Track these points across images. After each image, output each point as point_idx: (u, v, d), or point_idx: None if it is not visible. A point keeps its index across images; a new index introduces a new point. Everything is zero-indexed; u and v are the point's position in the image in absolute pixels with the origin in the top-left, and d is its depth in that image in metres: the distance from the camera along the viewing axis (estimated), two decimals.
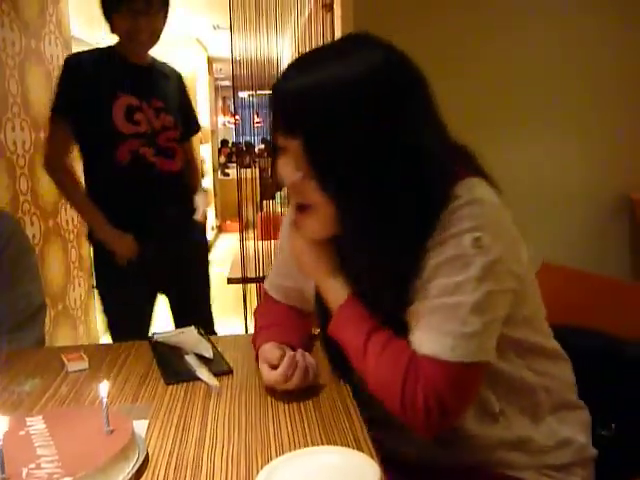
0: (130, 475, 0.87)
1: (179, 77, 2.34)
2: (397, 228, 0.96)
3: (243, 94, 6.73)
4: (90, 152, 2.13)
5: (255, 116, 10.51)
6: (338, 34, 3.50)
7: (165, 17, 2.10)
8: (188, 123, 2.36)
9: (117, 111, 2.04)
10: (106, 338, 4.05)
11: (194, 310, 2.27)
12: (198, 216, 2.33)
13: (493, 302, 0.95)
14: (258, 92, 5.06)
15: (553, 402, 1.11)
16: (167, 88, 2.22)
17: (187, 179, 2.33)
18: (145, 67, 2.17)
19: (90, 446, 0.89)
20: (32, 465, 0.85)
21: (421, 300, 0.96)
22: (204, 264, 2.39)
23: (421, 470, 1.12)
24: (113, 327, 2.18)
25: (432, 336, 0.94)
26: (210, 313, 2.37)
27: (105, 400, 0.91)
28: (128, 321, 2.09)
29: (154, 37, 2.09)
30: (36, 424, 0.97)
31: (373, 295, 1.04)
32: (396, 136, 0.94)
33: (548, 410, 1.11)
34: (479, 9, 2.70)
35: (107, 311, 2.18)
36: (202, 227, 2.42)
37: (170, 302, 2.31)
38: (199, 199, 2.38)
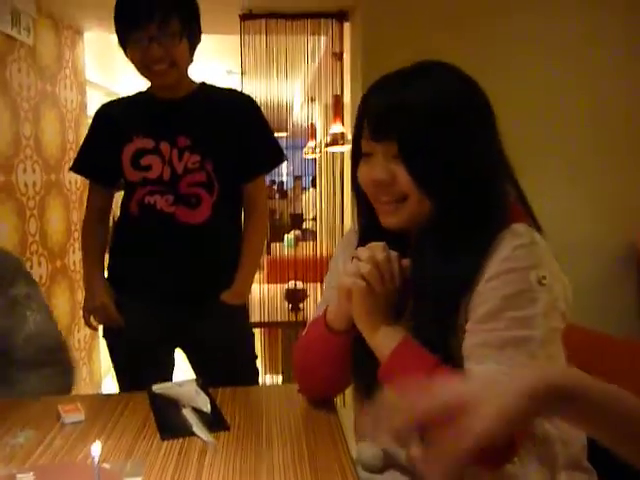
0: None
1: (242, 101, 1.97)
2: (467, 233, 1.05)
3: None
4: (120, 205, 1.98)
5: None
6: (347, 81, 3.56)
7: (190, 45, 1.83)
8: (254, 157, 1.94)
9: (126, 157, 1.87)
10: (109, 379, 4.03)
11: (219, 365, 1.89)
12: (230, 297, 1.91)
13: (555, 338, 1.03)
14: None
15: (568, 458, 1.11)
16: (207, 120, 1.88)
17: (233, 232, 1.99)
18: (176, 101, 1.89)
19: None
20: None
21: (487, 332, 1.01)
22: (232, 341, 1.97)
23: None
24: (118, 377, 2.02)
25: (504, 368, 0.97)
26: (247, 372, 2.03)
27: (97, 460, 0.90)
28: (133, 374, 1.90)
29: (174, 68, 1.81)
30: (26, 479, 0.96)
31: (429, 330, 1.06)
32: (475, 147, 1.05)
33: (563, 465, 1.10)
34: (480, 56, 2.74)
35: (113, 361, 2.01)
36: (231, 308, 1.93)
37: (189, 356, 2.04)
38: (242, 272, 1.93)
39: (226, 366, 1.87)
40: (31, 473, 0.98)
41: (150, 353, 1.92)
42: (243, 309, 2.02)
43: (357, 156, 1.13)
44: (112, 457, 1.11)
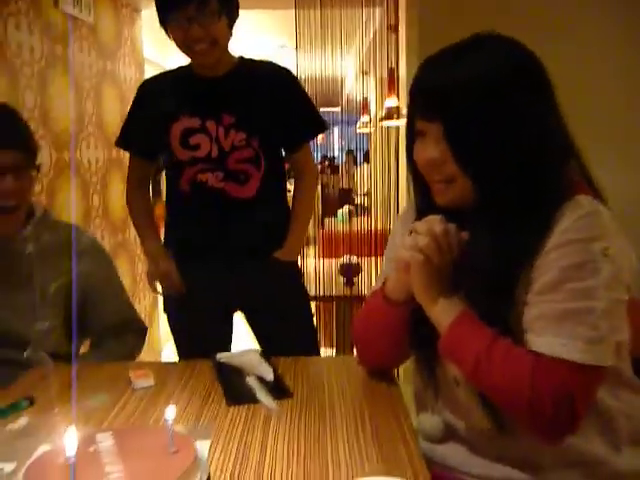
0: None
1: (281, 75, 1.98)
2: (522, 211, 1.04)
3: None
4: (166, 182, 2.07)
5: None
6: (403, 54, 3.52)
7: (229, 23, 1.85)
8: (296, 127, 1.99)
9: (173, 136, 1.89)
10: (168, 349, 4.16)
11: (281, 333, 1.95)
12: (281, 254, 1.98)
13: (617, 310, 1.01)
14: (322, 109, 5.11)
15: (632, 433, 1.11)
16: (250, 96, 1.91)
17: (280, 202, 2.07)
18: (218, 79, 1.92)
19: (155, 465, 0.93)
20: None
21: (547, 303, 1.01)
22: (286, 297, 2.03)
23: None
24: (180, 348, 2.09)
25: (563, 340, 0.98)
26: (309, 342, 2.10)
27: (171, 423, 0.94)
28: (195, 344, 1.93)
29: (215, 46, 1.82)
30: (105, 441, 1.01)
31: (486, 303, 1.07)
32: (526, 124, 1.03)
33: (627, 440, 1.11)
34: (546, 29, 2.67)
35: (175, 332, 2.10)
36: (288, 267, 2.02)
37: (250, 323, 2.12)
38: (293, 232, 2.01)
39: (283, 328, 1.93)
40: (109, 433, 1.03)
41: (210, 320, 1.99)
42: (294, 270, 2.08)
43: (412, 134, 1.14)
44: (182, 421, 1.16)
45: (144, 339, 1.83)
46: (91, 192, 3.06)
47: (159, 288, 2.02)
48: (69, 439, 0.86)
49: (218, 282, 1.95)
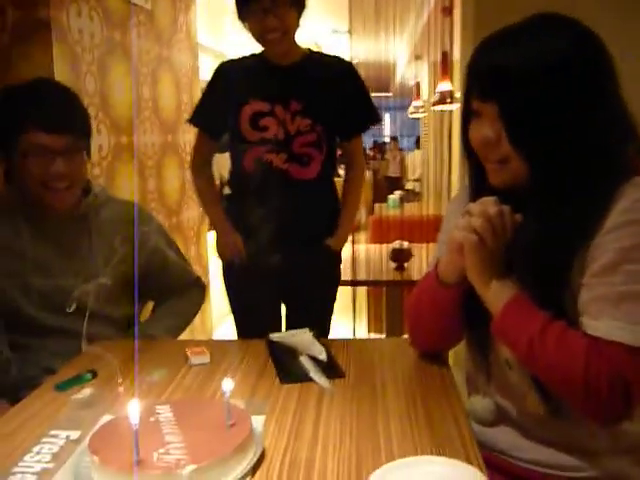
0: (247, 469, 0.93)
1: (344, 68, 2.16)
2: (578, 191, 1.03)
3: None
4: (230, 160, 2.20)
5: None
6: (457, 37, 3.47)
7: (298, 14, 2.01)
8: (356, 116, 2.17)
9: (244, 118, 2.05)
10: (220, 332, 4.24)
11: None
12: (333, 242, 2.15)
13: None
14: (373, 95, 5.09)
15: None
16: (316, 86, 2.07)
17: (333, 187, 2.22)
18: (288, 67, 2.09)
19: (213, 437, 0.96)
20: (162, 450, 0.92)
21: (603, 285, 1.00)
22: (326, 284, 2.24)
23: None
24: (239, 326, 2.27)
25: (620, 323, 0.97)
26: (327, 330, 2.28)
27: (228, 395, 0.98)
28: (253, 322, 2.06)
29: (287, 36, 2.00)
30: (164, 412, 1.05)
31: (540, 286, 1.07)
32: (586, 105, 1.02)
33: None
34: (610, 9, 2.58)
35: (235, 312, 2.28)
36: (333, 256, 2.21)
37: (287, 311, 2.29)
38: (344, 222, 2.17)
39: (308, 309, 2.15)
40: (168, 405, 1.07)
41: (263, 297, 2.15)
42: (339, 258, 2.26)
43: (467, 115, 1.13)
44: (236, 397, 1.19)
45: (204, 295, 1.97)
46: (147, 175, 3.13)
47: (225, 257, 2.19)
48: (131, 409, 0.90)
49: (271, 259, 2.04)
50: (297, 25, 2.03)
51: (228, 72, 2.14)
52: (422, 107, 5.97)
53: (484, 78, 1.07)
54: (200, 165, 2.24)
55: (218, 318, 4.33)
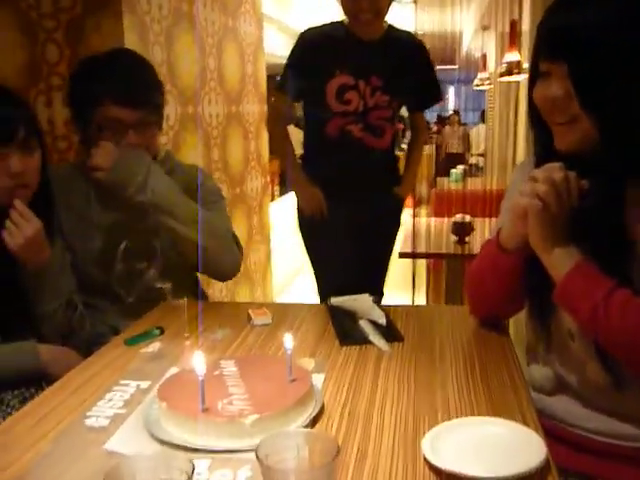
0: (308, 420, 0.96)
1: (417, 45, 2.36)
2: None
3: None
4: (308, 124, 2.43)
5: None
6: (527, 6, 3.38)
7: None
8: (422, 93, 2.42)
9: (330, 90, 2.20)
10: (280, 300, 4.31)
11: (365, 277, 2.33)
12: (400, 190, 2.44)
13: None
14: (439, 67, 5.02)
15: None
16: (394, 63, 2.25)
17: (394, 151, 2.47)
18: (371, 44, 2.24)
19: (274, 391, 0.99)
20: (225, 400, 0.96)
21: None
22: (391, 225, 2.52)
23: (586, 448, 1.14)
24: (317, 274, 2.49)
25: None
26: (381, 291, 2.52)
27: (289, 351, 1.01)
28: (333, 271, 2.32)
29: (379, 18, 2.17)
30: (229, 366, 1.09)
31: (606, 254, 1.06)
32: None
33: None
34: None
35: (312, 258, 2.48)
36: (400, 203, 2.50)
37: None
38: (409, 174, 2.50)
39: (372, 252, 2.41)
40: (232, 360, 1.11)
41: (337, 238, 2.33)
42: (402, 206, 2.54)
43: (534, 76, 1.12)
44: (297, 356, 1.23)
45: (240, 256, 1.80)
46: (212, 145, 3.18)
47: (307, 211, 2.39)
48: (197, 361, 0.94)
49: (348, 212, 2.30)
50: (389, 7, 2.17)
51: (313, 42, 2.26)
52: (488, 79, 5.83)
53: (554, 37, 1.06)
54: (280, 125, 2.45)
55: (279, 287, 4.40)
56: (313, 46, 2.26)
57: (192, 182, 1.72)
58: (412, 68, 2.28)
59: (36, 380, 1.34)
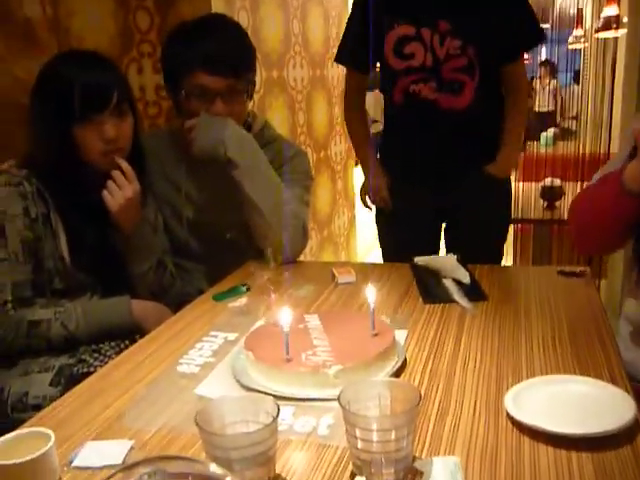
0: (390, 373, 0.97)
1: None
2: None
3: None
4: (382, 93, 2.07)
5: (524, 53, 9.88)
6: None
7: None
8: (513, 33, 1.87)
9: (388, 45, 1.88)
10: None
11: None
12: (494, 168, 1.95)
13: None
14: None
15: None
16: (468, 2, 1.84)
17: (493, 114, 1.97)
18: None
19: (357, 344, 1.01)
20: (309, 352, 0.99)
21: None
22: (491, 219, 2.02)
23: None
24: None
25: None
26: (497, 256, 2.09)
27: (372, 305, 1.02)
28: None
29: None
30: (313, 320, 1.11)
31: None
32: None
33: None
34: None
35: (383, 246, 2.16)
36: (496, 182, 1.97)
37: (447, 236, 2.14)
38: (505, 148, 1.95)
39: (475, 244, 1.83)
40: (316, 315, 1.14)
41: (417, 236, 2.00)
42: (505, 188, 2.04)
43: None
44: (381, 313, 1.24)
45: (305, 240, 1.69)
46: (297, 109, 3.20)
47: (369, 202, 2.11)
48: (283, 315, 0.97)
49: (429, 197, 1.97)
50: None
51: None
52: (583, 37, 5.55)
53: None
54: (352, 104, 2.11)
55: (363, 252, 4.42)
56: (366, 3, 1.91)
57: (288, 157, 1.70)
58: (496, 4, 1.83)
59: (130, 333, 1.41)
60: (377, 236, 2.18)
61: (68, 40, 2.15)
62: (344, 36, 2.09)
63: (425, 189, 1.96)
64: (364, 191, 2.12)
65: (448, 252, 1.91)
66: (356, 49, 2.01)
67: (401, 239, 2.01)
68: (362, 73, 2.08)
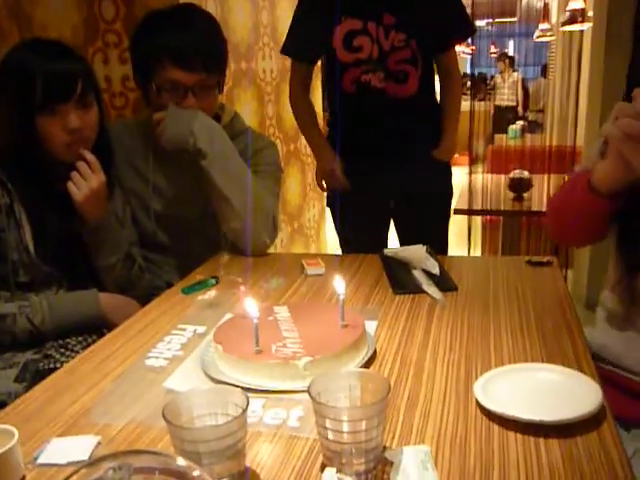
0: (360, 364, 0.97)
1: None
2: None
3: (481, 22, 6.49)
4: (327, 86, 2.20)
5: (492, 47, 10.00)
6: None
7: None
8: (446, 28, 2.06)
9: (337, 39, 1.98)
10: None
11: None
12: (439, 153, 2.11)
13: None
14: (497, 20, 4.87)
15: None
16: None
17: (434, 101, 2.16)
18: None
19: (327, 335, 1.01)
20: (279, 344, 0.98)
21: None
22: (436, 199, 2.18)
23: None
24: (343, 245, 2.26)
25: None
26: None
27: (342, 297, 1.01)
28: (359, 241, 2.03)
29: None
30: (282, 312, 1.11)
31: None
32: None
33: None
34: None
35: (340, 231, 2.26)
36: (444, 168, 2.16)
37: (397, 228, 2.28)
38: (446, 132, 2.12)
39: (422, 226, 2.09)
40: (285, 307, 1.13)
41: (370, 218, 2.14)
42: (447, 171, 2.20)
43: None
44: (351, 304, 1.24)
45: (274, 234, 1.66)
46: (266, 101, 3.18)
47: (324, 185, 2.22)
48: (251, 307, 0.96)
49: (379, 178, 2.07)
50: None
51: None
52: (550, 30, 5.61)
53: None
54: (298, 94, 2.20)
55: (333, 244, 4.41)
56: None
57: (257, 149, 1.70)
58: (432, 1, 1.99)
59: (98, 327, 1.39)
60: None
61: (31, 29, 2.10)
62: (291, 28, 2.15)
63: (375, 171, 2.07)
64: (320, 175, 2.24)
65: (397, 230, 2.22)
66: (303, 41, 2.10)
67: (353, 221, 2.15)
68: (308, 64, 2.17)
